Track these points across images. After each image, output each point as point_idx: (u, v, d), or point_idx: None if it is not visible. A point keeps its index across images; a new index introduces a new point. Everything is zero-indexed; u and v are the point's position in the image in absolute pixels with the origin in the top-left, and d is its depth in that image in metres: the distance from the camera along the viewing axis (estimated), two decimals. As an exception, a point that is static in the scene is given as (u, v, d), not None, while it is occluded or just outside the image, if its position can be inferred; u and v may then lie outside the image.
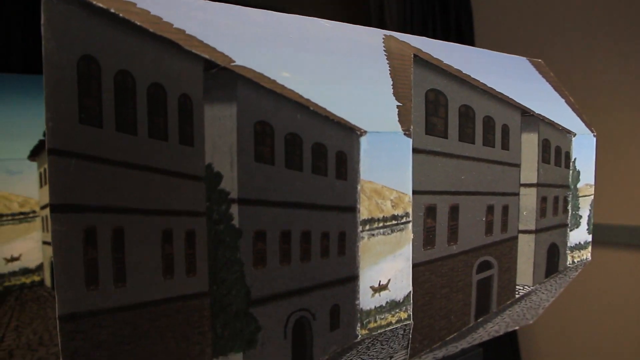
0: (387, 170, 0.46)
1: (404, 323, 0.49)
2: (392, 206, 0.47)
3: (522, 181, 0.61)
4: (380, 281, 0.46)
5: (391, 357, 0.51)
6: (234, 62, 0.37)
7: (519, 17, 1.52)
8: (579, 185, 0.67)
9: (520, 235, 0.62)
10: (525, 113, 0.60)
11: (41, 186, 0.81)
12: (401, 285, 0.48)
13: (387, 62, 0.46)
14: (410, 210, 0.49)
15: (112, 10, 0.33)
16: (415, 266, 0.50)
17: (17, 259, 0.80)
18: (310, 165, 0.41)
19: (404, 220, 0.48)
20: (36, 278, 0.83)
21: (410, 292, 0.49)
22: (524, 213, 0.61)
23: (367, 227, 0.45)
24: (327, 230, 0.43)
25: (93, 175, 0.32)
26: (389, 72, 0.46)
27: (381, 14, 1.11)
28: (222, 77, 0.37)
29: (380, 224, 0.46)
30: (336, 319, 0.44)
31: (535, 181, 0.62)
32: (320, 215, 0.42)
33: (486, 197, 0.57)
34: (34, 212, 0.81)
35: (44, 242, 0.82)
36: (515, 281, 0.63)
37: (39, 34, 0.30)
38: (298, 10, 0.42)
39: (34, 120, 0.75)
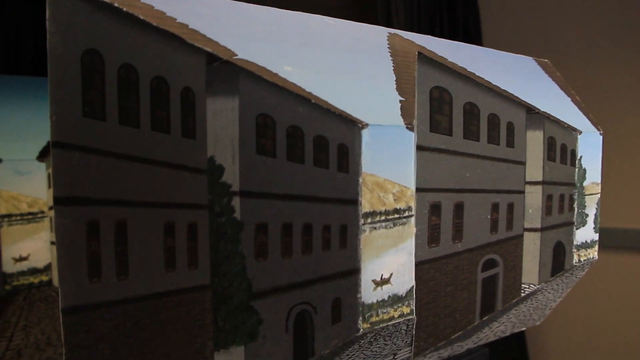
0: (389, 163, 0.46)
1: (407, 318, 0.49)
2: (395, 200, 0.47)
3: (528, 179, 0.61)
4: (382, 275, 0.46)
5: (395, 354, 0.51)
6: (236, 55, 0.37)
7: (526, 17, 1.52)
8: (585, 184, 0.66)
9: (526, 234, 0.62)
10: (531, 111, 0.60)
11: (50, 187, 0.82)
12: (403, 279, 0.48)
13: (391, 59, 0.46)
14: (412, 204, 0.48)
15: (116, 5, 0.33)
16: (419, 264, 0.50)
17: (25, 258, 0.81)
18: (311, 157, 0.41)
19: (406, 214, 0.48)
20: (44, 278, 0.83)
21: (412, 286, 0.49)
22: (530, 211, 0.61)
23: (369, 220, 0.45)
24: (329, 223, 0.43)
25: (96, 169, 0.32)
26: (393, 68, 0.46)
27: (388, 14, 1.11)
28: (225, 71, 0.37)
29: (382, 217, 0.46)
30: (338, 313, 0.44)
31: (540, 179, 0.61)
32: (321, 208, 0.42)
33: (491, 194, 0.56)
34: (42, 212, 0.82)
35: (52, 242, 0.83)
36: (520, 280, 0.62)
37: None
38: (304, 11, 0.42)
39: (43, 122, 0.76)
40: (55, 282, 0.81)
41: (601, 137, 0.68)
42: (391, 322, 0.48)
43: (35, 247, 0.82)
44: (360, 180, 0.44)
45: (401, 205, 0.47)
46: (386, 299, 0.47)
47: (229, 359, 0.38)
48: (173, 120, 0.36)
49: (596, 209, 0.69)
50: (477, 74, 0.53)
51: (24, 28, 0.87)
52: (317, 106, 0.41)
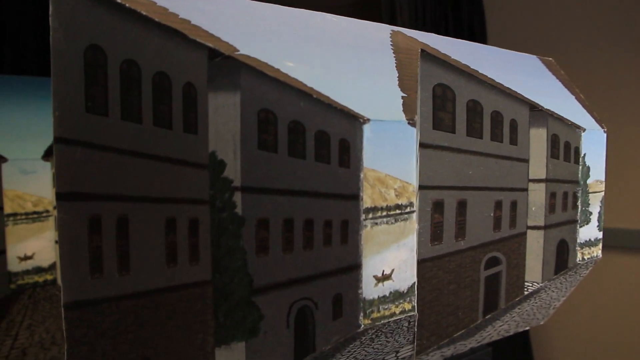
0: (390, 158, 0.46)
1: (408, 314, 0.49)
2: (396, 195, 0.46)
3: (531, 176, 0.60)
4: (383, 271, 0.46)
5: (397, 352, 0.50)
6: (238, 51, 0.37)
7: (532, 17, 1.52)
8: (589, 181, 0.66)
9: (529, 231, 0.61)
10: (534, 108, 0.59)
11: (54, 186, 0.82)
12: (405, 275, 0.48)
13: (394, 55, 0.46)
14: (414, 200, 0.48)
15: (119, 1, 0.33)
16: (422, 262, 0.50)
17: (30, 257, 0.81)
18: (313, 153, 0.41)
19: (408, 210, 0.48)
20: (49, 277, 0.84)
21: (414, 283, 0.49)
22: (533, 209, 0.61)
23: (370, 215, 0.45)
24: (330, 218, 0.43)
25: (98, 164, 0.32)
26: (395, 65, 0.46)
27: (392, 15, 1.11)
28: (226, 66, 0.37)
29: (384, 213, 0.46)
30: (339, 308, 0.44)
31: (544, 176, 0.61)
32: (323, 203, 0.42)
33: (494, 192, 0.56)
34: (47, 211, 0.82)
35: (57, 241, 0.83)
36: (523, 278, 0.62)
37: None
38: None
39: (48, 121, 0.76)
40: (60, 281, 0.81)
41: (605, 134, 0.67)
42: (392, 319, 0.48)
43: (40, 246, 0.83)
44: (362, 175, 0.44)
45: (403, 201, 0.47)
46: (387, 295, 0.47)
47: (230, 354, 0.38)
48: (175, 115, 0.36)
49: (600, 207, 0.68)
50: (480, 71, 0.53)
51: (31, 29, 0.88)
52: (319, 101, 0.41)
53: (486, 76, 0.54)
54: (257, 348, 0.39)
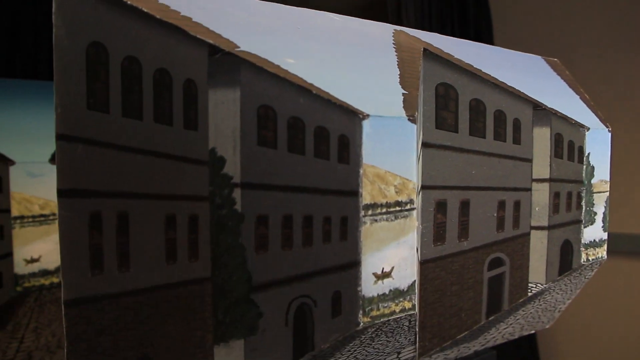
0: (390, 155, 0.45)
1: (409, 313, 0.48)
2: (396, 192, 0.46)
3: (534, 176, 0.60)
4: (383, 268, 0.46)
5: (399, 353, 0.50)
6: (238, 47, 0.37)
7: (538, 18, 1.51)
8: (593, 181, 0.65)
9: (533, 232, 0.61)
10: (537, 107, 0.59)
11: (61, 188, 0.82)
12: (405, 273, 0.47)
13: (396, 54, 0.46)
14: (414, 197, 0.48)
15: (121, -2, 0.33)
16: (425, 262, 0.49)
17: (36, 260, 0.82)
18: (312, 149, 0.41)
19: (408, 207, 0.47)
20: (55, 280, 0.84)
21: (414, 281, 0.49)
22: (536, 209, 0.60)
23: (370, 212, 0.45)
24: (329, 214, 0.43)
25: (99, 161, 0.32)
26: (397, 63, 0.46)
27: (398, 16, 1.11)
28: (226, 62, 0.37)
29: (384, 210, 0.46)
30: (338, 306, 0.44)
31: (547, 176, 0.60)
32: (322, 200, 0.42)
33: (497, 192, 0.56)
34: (54, 214, 0.82)
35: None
36: (527, 279, 0.61)
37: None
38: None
39: (55, 124, 0.77)
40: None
41: (610, 134, 0.67)
42: (392, 317, 0.47)
43: (47, 249, 0.83)
44: (361, 171, 0.44)
45: (403, 198, 0.47)
46: (387, 292, 0.47)
47: (228, 352, 0.38)
48: (175, 112, 0.36)
49: (605, 207, 0.67)
50: (483, 70, 0.53)
51: (42, 34, 0.89)
52: (318, 97, 0.41)
53: (489, 75, 0.53)
54: (255, 346, 0.39)
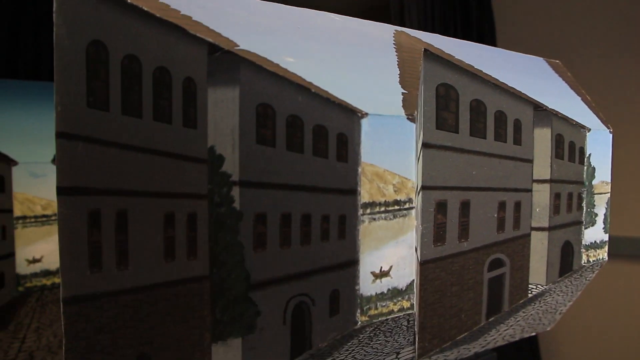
0: (389, 153, 0.45)
1: (407, 312, 0.48)
2: (395, 191, 0.46)
3: (535, 177, 0.60)
4: (381, 267, 0.45)
5: (398, 353, 0.50)
6: (237, 46, 0.37)
7: (540, 20, 1.51)
8: (594, 182, 0.65)
9: (533, 233, 0.60)
10: (538, 108, 0.59)
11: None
12: (403, 272, 0.47)
13: (396, 54, 0.46)
14: (413, 196, 0.48)
15: (121, -3, 0.33)
16: (425, 263, 0.49)
17: (38, 260, 0.82)
18: (311, 147, 0.41)
19: (407, 206, 0.47)
20: (57, 280, 0.84)
21: (413, 280, 0.49)
22: (537, 210, 0.60)
23: (368, 210, 0.45)
24: (328, 213, 0.43)
25: (99, 158, 0.33)
26: (397, 63, 0.46)
27: (401, 18, 1.11)
28: (226, 61, 0.37)
29: (382, 208, 0.46)
30: (336, 305, 0.44)
31: (548, 177, 0.60)
32: (320, 198, 0.42)
33: (498, 193, 0.55)
34: (56, 215, 0.83)
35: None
36: (527, 280, 0.61)
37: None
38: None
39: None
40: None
41: (611, 135, 0.66)
42: (391, 316, 0.47)
43: (49, 249, 0.83)
44: (360, 170, 0.44)
45: (402, 197, 0.47)
46: (385, 292, 0.46)
47: (226, 350, 0.38)
48: (174, 110, 0.36)
49: (606, 208, 0.67)
50: (484, 71, 0.53)
51: (44, 35, 0.89)
52: (317, 95, 0.41)
53: (490, 76, 0.53)
54: (253, 344, 0.39)
